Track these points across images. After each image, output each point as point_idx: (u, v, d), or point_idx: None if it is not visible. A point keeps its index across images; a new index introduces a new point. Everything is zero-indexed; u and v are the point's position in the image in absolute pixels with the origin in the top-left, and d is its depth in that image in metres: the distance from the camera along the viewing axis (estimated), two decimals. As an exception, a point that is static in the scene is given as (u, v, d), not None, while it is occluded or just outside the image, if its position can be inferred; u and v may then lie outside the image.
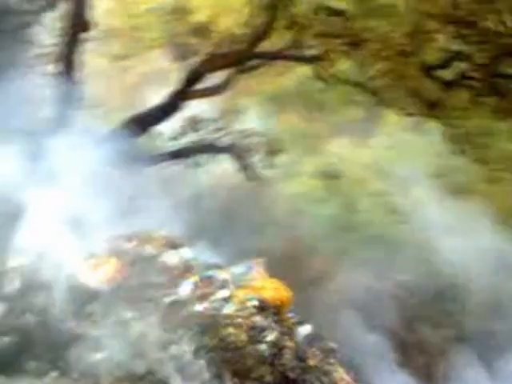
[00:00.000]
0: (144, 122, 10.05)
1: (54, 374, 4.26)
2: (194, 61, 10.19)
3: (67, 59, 9.59)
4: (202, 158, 10.47)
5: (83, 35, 10.02)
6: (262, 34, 8.83)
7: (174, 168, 11.06)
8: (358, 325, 10.84)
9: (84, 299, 5.36)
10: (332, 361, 6.22)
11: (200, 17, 10.12)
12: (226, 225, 10.12)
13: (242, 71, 10.63)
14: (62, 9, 9.65)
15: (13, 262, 5.84)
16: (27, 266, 5.57)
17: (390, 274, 12.08)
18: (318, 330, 7.06)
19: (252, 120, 13.26)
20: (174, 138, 10.41)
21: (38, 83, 10.87)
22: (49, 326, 4.70)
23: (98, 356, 4.52)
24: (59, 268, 5.83)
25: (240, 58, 9.68)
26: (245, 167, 10.42)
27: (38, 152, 7.84)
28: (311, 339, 6.50)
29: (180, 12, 10.28)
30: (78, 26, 9.48)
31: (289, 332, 6.11)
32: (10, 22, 10.22)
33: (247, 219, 10.86)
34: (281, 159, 17.66)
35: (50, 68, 10.22)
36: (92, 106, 10.58)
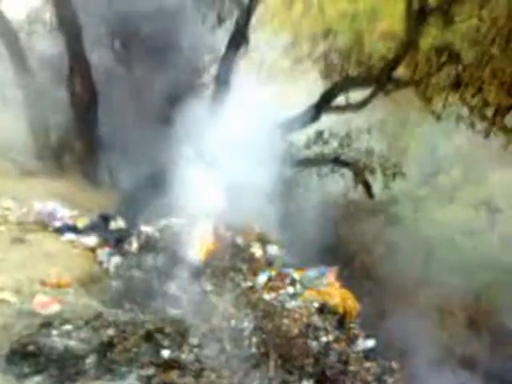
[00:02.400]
0: (285, 128, 11.41)
1: (144, 316, 5.75)
2: (336, 78, 11.22)
3: (225, 65, 11.49)
4: (325, 169, 11.51)
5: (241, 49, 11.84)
6: (394, 64, 9.47)
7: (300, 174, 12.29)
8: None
9: (180, 268, 6.91)
10: (387, 379, 6.87)
11: (344, 39, 11.10)
12: (330, 240, 10.91)
13: (380, 92, 11.31)
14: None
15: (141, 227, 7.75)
16: (148, 231, 7.36)
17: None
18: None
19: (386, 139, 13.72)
20: (305, 148, 11.60)
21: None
22: (146, 281, 6.32)
23: (174, 311, 5.94)
24: (173, 239, 7.53)
25: (375, 80, 10.41)
26: (364, 185, 11.14)
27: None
28: (370, 352, 7.20)
29: (328, 34, 11.37)
30: (236, 41, 11.28)
31: (345, 339, 6.90)
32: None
33: (353, 237, 11.54)
34: (441, 182, 17.63)
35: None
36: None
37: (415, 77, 8.33)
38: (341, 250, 11.33)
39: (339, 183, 12.10)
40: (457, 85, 7.72)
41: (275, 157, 11.54)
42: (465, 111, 7.35)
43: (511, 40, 5.93)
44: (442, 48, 8.26)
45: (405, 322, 10.76)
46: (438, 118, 8.30)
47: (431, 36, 8.91)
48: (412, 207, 15.81)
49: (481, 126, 6.65)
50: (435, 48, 8.15)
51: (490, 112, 6.81)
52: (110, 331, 4.34)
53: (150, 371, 4.02)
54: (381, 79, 10.40)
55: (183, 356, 4.32)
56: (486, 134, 6.67)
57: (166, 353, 4.32)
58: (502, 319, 11.99)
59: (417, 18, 8.66)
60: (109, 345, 4.24)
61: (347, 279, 8.37)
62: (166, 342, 4.39)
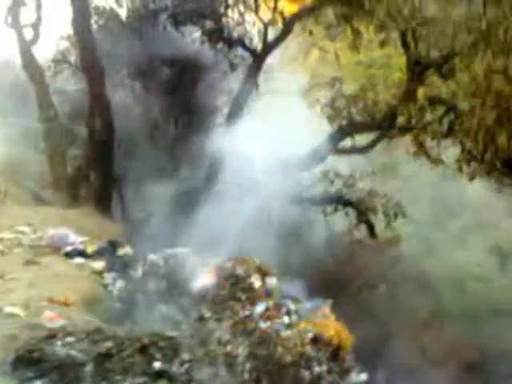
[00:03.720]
0: (293, 167, 11.95)
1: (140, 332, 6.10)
2: (342, 123, 11.81)
3: (236, 107, 12.22)
4: (330, 208, 11.93)
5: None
6: (394, 112, 10.06)
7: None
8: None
9: (182, 294, 7.30)
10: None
11: (350, 88, 11.80)
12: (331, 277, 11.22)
13: (386, 136, 11.85)
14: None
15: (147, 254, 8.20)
16: (153, 258, 7.80)
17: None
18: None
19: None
20: (311, 186, 12.10)
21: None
22: (148, 304, 6.71)
23: (173, 333, 6.28)
24: (177, 266, 7.95)
25: (378, 127, 10.98)
26: (367, 224, 11.51)
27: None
28: (361, 388, 7.38)
29: (336, 81, 12.05)
30: (247, 86, 12.03)
31: (338, 371, 7.11)
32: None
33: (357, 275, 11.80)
34: (452, 226, 17.76)
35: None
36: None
37: (410, 124, 8.96)
38: (344, 287, 11.60)
39: (345, 222, 12.49)
40: (449, 132, 8.28)
41: (282, 194, 12.07)
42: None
43: (489, 92, 6.47)
44: (435, 98, 8.95)
45: (405, 362, 10.87)
46: (433, 161, 8.79)
47: (428, 87, 9.60)
48: (422, 250, 16.00)
49: (467, 169, 7.12)
50: (428, 98, 8.83)
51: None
52: (108, 343, 4.74)
53: (142, 380, 4.40)
54: (383, 125, 10.99)
55: (174, 368, 4.69)
56: (471, 178, 7.12)
57: (157, 364, 4.70)
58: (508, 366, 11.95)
59: (414, 70, 9.38)
60: (106, 355, 4.63)
61: (349, 316, 8.63)
62: (158, 355, 4.77)
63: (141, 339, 4.77)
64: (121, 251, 8.04)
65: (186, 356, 4.87)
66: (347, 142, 12.18)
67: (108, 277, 7.29)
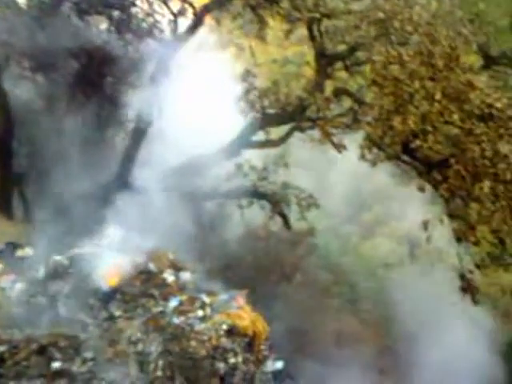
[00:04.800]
0: (207, 161, 11.80)
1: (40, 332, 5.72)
2: (255, 115, 11.83)
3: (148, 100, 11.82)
4: (245, 201, 11.95)
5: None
6: (304, 105, 10.22)
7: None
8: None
9: (89, 294, 6.96)
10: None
11: (264, 82, 11.87)
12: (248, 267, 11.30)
13: (298, 129, 12.00)
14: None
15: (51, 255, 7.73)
16: (57, 259, 7.37)
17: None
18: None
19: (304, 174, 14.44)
20: (225, 180, 12.03)
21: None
22: (51, 307, 6.31)
23: (83, 336, 5.95)
24: (83, 266, 7.57)
25: (290, 118, 11.11)
26: (281, 216, 11.66)
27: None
28: (278, 374, 7.48)
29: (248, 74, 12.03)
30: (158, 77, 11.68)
31: (253, 360, 7.14)
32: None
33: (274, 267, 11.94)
34: (364, 218, 18.39)
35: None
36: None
37: (318, 115, 9.19)
38: (262, 279, 11.67)
39: (260, 215, 12.56)
40: (353, 122, 8.61)
41: (197, 188, 11.91)
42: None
43: (387, 79, 6.80)
44: (341, 90, 9.27)
45: (322, 349, 11.16)
46: (338, 148, 9.06)
47: (336, 80, 9.90)
48: (336, 242, 16.54)
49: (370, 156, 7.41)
50: (335, 90, 9.12)
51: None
52: (1, 348, 4.39)
53: (39, 382, 4.10)
54: (295, 117, 11.13)
55: (75, 367, 4.42)
56: (373, 164, 7.42)
57: (56, 364, 4.42)
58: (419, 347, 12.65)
59: (321, 62, 9.62)
60: (-2, 361, 4.29)
61: (267, 307, 8.68)
62: (58, 355, 4.48)
63: (38, 340, 4.46)
64: (20, 253, 7.53)
65: (88, 354, 4.62)
66: (261, 136, 12.24)
67: (6, 280, 6.80)
